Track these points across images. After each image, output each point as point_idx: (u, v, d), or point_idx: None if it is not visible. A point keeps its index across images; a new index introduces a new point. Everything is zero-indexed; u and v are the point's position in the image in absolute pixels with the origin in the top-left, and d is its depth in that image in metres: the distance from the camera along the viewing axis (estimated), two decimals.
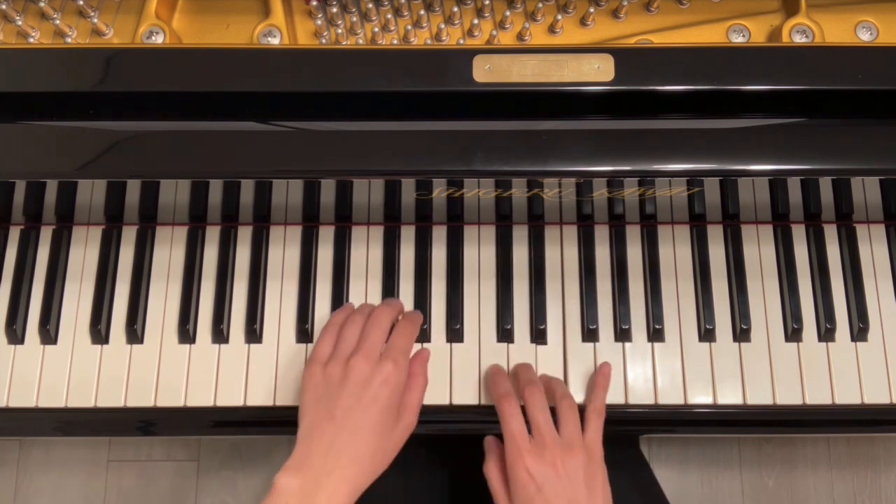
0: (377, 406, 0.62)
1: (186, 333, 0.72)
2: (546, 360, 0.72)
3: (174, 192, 0.73)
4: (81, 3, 0.64)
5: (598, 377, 0.69)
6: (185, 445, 1.36)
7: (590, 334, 0.72)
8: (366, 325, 0.66)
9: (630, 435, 0.87)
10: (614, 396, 0.71)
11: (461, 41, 0.66)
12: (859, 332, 0.72)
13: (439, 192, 0.69)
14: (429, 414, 0.71)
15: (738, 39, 0.66)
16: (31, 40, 0.65)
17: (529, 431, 0.63)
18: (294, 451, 0.61)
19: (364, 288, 0.74)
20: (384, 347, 0.65)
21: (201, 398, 0.71)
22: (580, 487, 0.60)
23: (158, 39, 0.64)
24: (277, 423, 0.71)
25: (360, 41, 0.66)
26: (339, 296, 0.73)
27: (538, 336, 0.72)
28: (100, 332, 0.72)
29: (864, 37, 0.66)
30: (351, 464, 0.60)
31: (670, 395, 0.71)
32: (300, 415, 0.63)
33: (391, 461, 0.64)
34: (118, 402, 0.71)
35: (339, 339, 0.66)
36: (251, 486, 1.33)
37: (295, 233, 0.75)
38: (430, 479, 0.82)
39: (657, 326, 0.72)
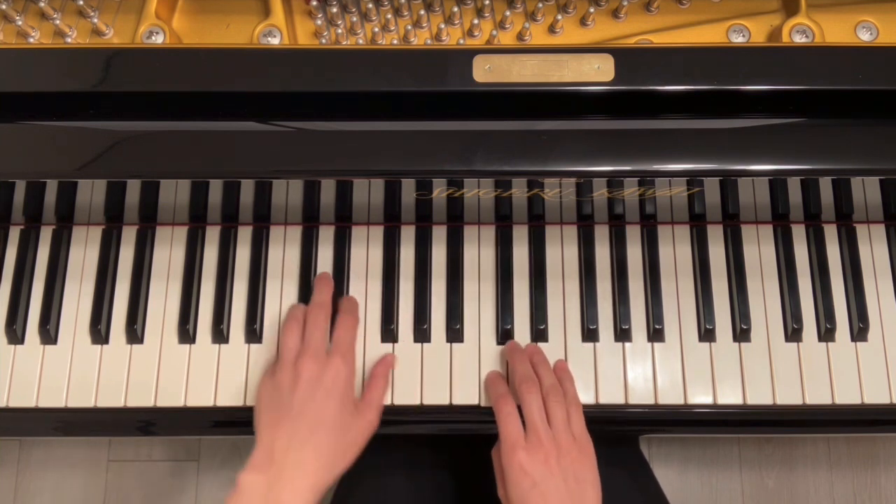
0: (332, 401, 0.64)
1: (186, 333, 0.72)
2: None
3: (174, 192, 0.73)
4: (81, 3, 0.64)
5: (559, 372, 0.70)
6: (185, 445, 1.36)
7: (590, 334, 0.72)
8: (306, 325, 0.68)
9: (630, 435, 0.87)
10: (614, 396, 0.71)
11: (461, 41, 0.66)
12: (859, 332, 0.72)
13: (439, 192, 0.69)
14: (429, 414, 0.71)
15: (738, 39, 0.66)
16: (31, 40, 0.65)
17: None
18: (254, 451, 0.62)
19: (364, 288, 0.74)
20: (328, 345, 0.67)
21: (201, 398, 0.71)
22: (571, 481, 0.62)
23: (158, 39, 0.64)
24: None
25: (360, 41, 0.66)
26: (339, 295, 0.73)
27: (538, 336, 0.72)
28: (100, 332, 0.72)
29: (864, 37, 0.66)
30: (313, 458, 0.61)
31: (670, 395, 0.71)
32: (256, 422, 0.65)
33: (354, 457, 0.65)
34: (118, 402, 0.71)
35: (279, 348, 0.68)
36: None
37: (295, 233, 0.75)
38: (433, 479, 0.82)
39: (657, 326, 0.72)
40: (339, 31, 0.65)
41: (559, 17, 0.65)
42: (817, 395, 0.71)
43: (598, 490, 0.63)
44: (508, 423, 0.64)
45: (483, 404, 0.70)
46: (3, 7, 0.64)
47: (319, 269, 0.74)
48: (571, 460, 0.63)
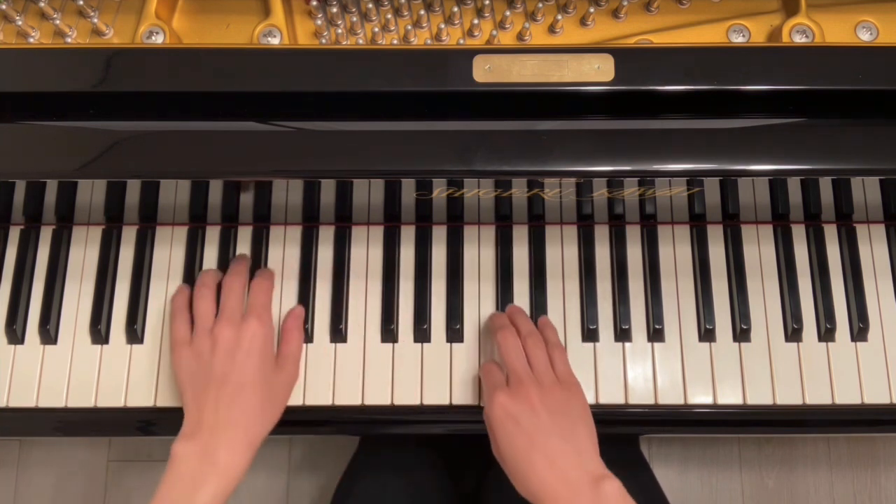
0: (252, 361, 0.64)
1: None
2: None
3: (174, 192, 0.73)
4: (81, 3, 0.64)
5: (541, 324, 0.71)
6: None
7: (590, 334, 0.72)
8: (221, 293, 0.69)
9: (630, 435, 0.87)
10: (614, 396, 0.71)
11: (461, 41, 0.66)
12: (859, 332, 0.72)
13: (439, 192, 0.69)
14: (429, 414, 0.71)
15: (738, 39, 0.66)
16: (31, 40, 0.65)
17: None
18: (184, 422, 0.63)
19: (364, 288, 0.74)
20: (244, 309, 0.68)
21: None
22: (559, 417, 0.61)
23: (158, 39, 0.64)
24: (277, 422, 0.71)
25: (360, 41, 0.66)
26: (338, 295, 0.73)
27: None
28: (100, 332, 0.72)
29: (864, 37, 0.66)
30: (242, 417, 0.62)
31: (670, 395, 0.71)
32: (181, 393, 0.65)
33: (281, 410, 0.67)
34: (118, 402, 0.71)
35: (194, 316, 0.68)
36: (251, 486, 1.33)
37: (295, 233, 0.75)
38: (433, 479, 0.82)
39: (657, 326, 0.72)
40: (339, 31, 0.65)
41: (559, 17, 0.65)
42: (817, 395, 0.71)
43: (590, 426, 0.62)
44: (489, 375, 0.65)
45: (483, 404, 0.70)
46: (3, 7, 0.64)
47: (320, 269, 0.74)
48: (556, 398, 0.62)
